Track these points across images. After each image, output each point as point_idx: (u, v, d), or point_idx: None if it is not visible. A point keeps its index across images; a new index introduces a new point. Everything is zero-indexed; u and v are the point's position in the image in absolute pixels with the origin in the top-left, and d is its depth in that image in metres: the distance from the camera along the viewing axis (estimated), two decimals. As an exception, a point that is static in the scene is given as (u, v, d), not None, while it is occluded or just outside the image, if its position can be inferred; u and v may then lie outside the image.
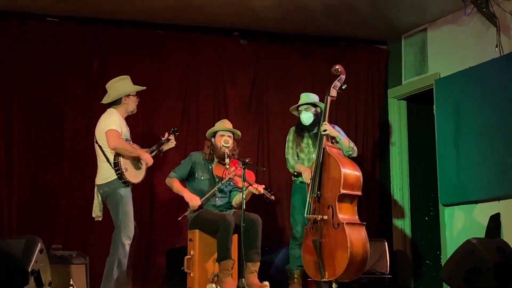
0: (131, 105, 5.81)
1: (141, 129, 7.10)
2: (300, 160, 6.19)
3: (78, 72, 7.13)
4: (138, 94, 6.21)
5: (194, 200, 5.89)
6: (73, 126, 7.06)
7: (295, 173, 6.14)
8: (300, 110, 6.20)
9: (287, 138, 6.27)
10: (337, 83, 5.98)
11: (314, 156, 6.08)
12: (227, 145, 5.86)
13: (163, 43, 7.46)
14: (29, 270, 4.59)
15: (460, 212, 6.99)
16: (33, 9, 6.97)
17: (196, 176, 6.04)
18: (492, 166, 6.53)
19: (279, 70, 7.79)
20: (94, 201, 5.75)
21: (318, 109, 6.16)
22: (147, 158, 5.74)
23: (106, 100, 5.82)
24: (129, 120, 7.09)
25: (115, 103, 5.78)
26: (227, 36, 7.68)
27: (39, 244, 4.77)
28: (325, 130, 5.87)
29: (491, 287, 4.97)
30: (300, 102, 6.21)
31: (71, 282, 5.86)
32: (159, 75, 7.39)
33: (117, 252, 5.55)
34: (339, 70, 5.97)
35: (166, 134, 6.07)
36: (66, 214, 6.88)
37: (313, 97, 6.22)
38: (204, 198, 5.91)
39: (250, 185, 5.78)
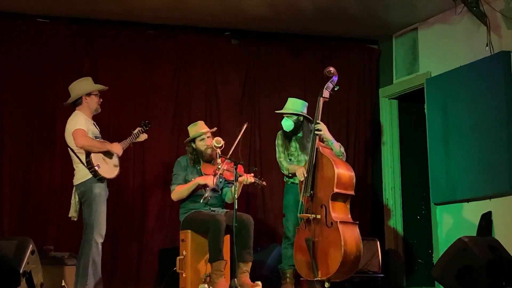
0: (93, 104, 5.84)
1: (133, 128, 7.07)
2: (290, 162, 6.19)
3: (69, 73, 7.09)
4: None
5: (208, 178, 5.85)
6: (64, 126, 7.02)
7: (290, 175, 6.14)
8: (283, 116, 6.20)
9: (276, 143, 6.23)
10: (329, 85, 5.99)
11: (302, 158, 6.09)
12: (219, 145, 5.83)
13: (154, 43, 7.45)
14: (21, 272, 4.57)
15: (452, 210, 7.01)
16: (24, 10, 6.95)
17: (187, 179, 6.02)
18: (483, 164, 6.55)
19: (271, 70, 7.79)
20: (71, 201, 5.79)
21: (301, 118, 6.14)
22: (115, 149, 5.77)
23: (67, 102, 5.88)
24: (121, 119, 7.11)
25: (77, 103, 5.82)
26: (218, 36, 7.68)
27: (31, 245, 4.75)
28: (319, 130, 5.88)
29: (483, 285, 4.99)
30: (283, 110, 6.17)
31: (63, 284, 5.85)
32: (150, 75, 7.38)
33: (90, 251, 5.54)
34: (332, 71, 5.98)
35: (137, 129, 6.07)
36: (58, 215, 6.85)
37: (298, 106, 6.15)
38: (216, 176, 5.83)
39: (240, 175, 5.77)
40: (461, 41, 7.04)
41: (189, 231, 5.83)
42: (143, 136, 6.08)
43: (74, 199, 5.78)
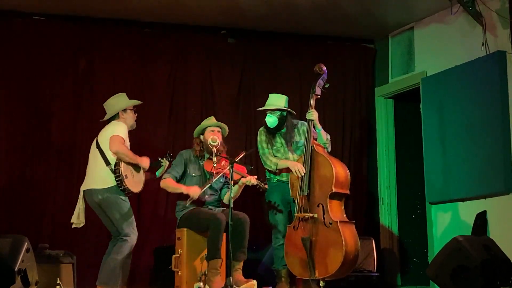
0: (129, 119, 5.77)
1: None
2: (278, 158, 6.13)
3: (64, 71, 7.10)
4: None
5: (193, 189, 5.83)
6: (60, 125, 7.03)
7: (277, 171, 6.08)
8: (266, 112, 6.18)
9: (258, 139, 6.16)
10: (320, 82, 6.00)
11: (290, 155, 6.05)
12: (215, 143, 5.84)
13: (151, 42, 7.44)
14: (16, 269, 4.58)
15: (447, 210, 7.02)
16: (19, 8, 6.92)
17: (188, 173, 6.01)
18: (478, 164, 6.57)
19: (267, 69, 7.79)
20: (78, 207, 5.64)
21: (284, 113, 6.12)
22: (144, 163, 5.69)
23: (104, 118, 5.79)
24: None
25: (114, 118, 5.74)
26: (215, 35, 7.67)
27: (26, 243, 4.76)
28: (311, 118, 5.88)
29: (477, 285, 5.00)
30: (266, 106, 6.14)
31: (58, 281, 5.84)
32: (146, 74, 7.37)
33: (124, 253, 5.52)
34: (322, 68, 5.99)
35: (166, 162, 6.01)
36: (53, 213, 6.84)
37: (280, 101, 6.12)
38: (202, 189, 5.84)
39: (243, 177, 5.77)
40: (457, 41, 7.05)
41: (185, 229, 5.82)
42: (165, 164, 6.01)
43: (83, 205, 5.64)
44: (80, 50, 7.19)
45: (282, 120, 6.09)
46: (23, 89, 6.96)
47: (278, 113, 6.09)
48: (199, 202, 5.90)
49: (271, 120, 6.09)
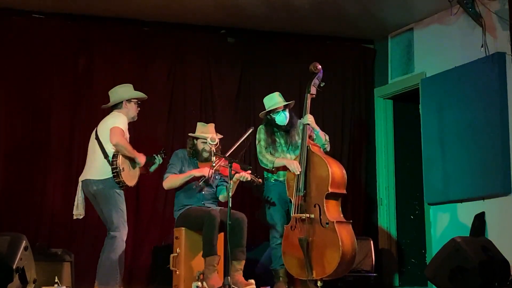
0: (132, 111, 5.79)
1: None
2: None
3: (64, 69, 7.10)
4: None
5: (204, 170, 5.83)
6: (59, 123, 7.03)
7: (274, 169, 6.06)
8: (271, 114, 6.13)
9: (257, 137, 6.11)
10: (315, 81, 5.96)
11: (288, 155, 6.03)
12: (214, 143, 5.84)
13: (150, 41, 7.44)
14: (14, 268, 4.58)
15: (445, 211, 7.02)
16: (19, 6, 6.93)
17: (183, 170, 6.02)
18: (477, 165, 6.57)
19: (266, 68, 7.79)
20: (78, 198, 5.68)
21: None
22: (140, 158, 5.70)
23: (107, 105, 5.79)
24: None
25: (117, 107, 5.76)
26: (214, 34, 7.68)
27: (24, 242, 4.76)
28: (307, 122, 5.86)
29: (475, 286, 5.01)
30: (277, 105, 6.03)
31: (56, 280, 5.84)
32: (145, 73, 7.37)
33: (117, 250, 5.54)
34: (318, 67, 5.96)
35: (160, 159, 6.03)
36: (51, 212, 6.84)
37: (281, 97, 6.09)
38: (213, 169, 5.80)
39: (237, 172, 5.76)
40: (456, 42, 7.05)
41: (183, 228, 5.83)
42: (158, 161, 6.01)
43: (81, 196, 5.67)
44: (79, 49, 7.19)
45: (290, 115, 6.06)
46: (22, 88, 6.95)
47: (286, 109, 6.06)
48: (207, 181, 5.91)
49: (283, 117, 6.02)
